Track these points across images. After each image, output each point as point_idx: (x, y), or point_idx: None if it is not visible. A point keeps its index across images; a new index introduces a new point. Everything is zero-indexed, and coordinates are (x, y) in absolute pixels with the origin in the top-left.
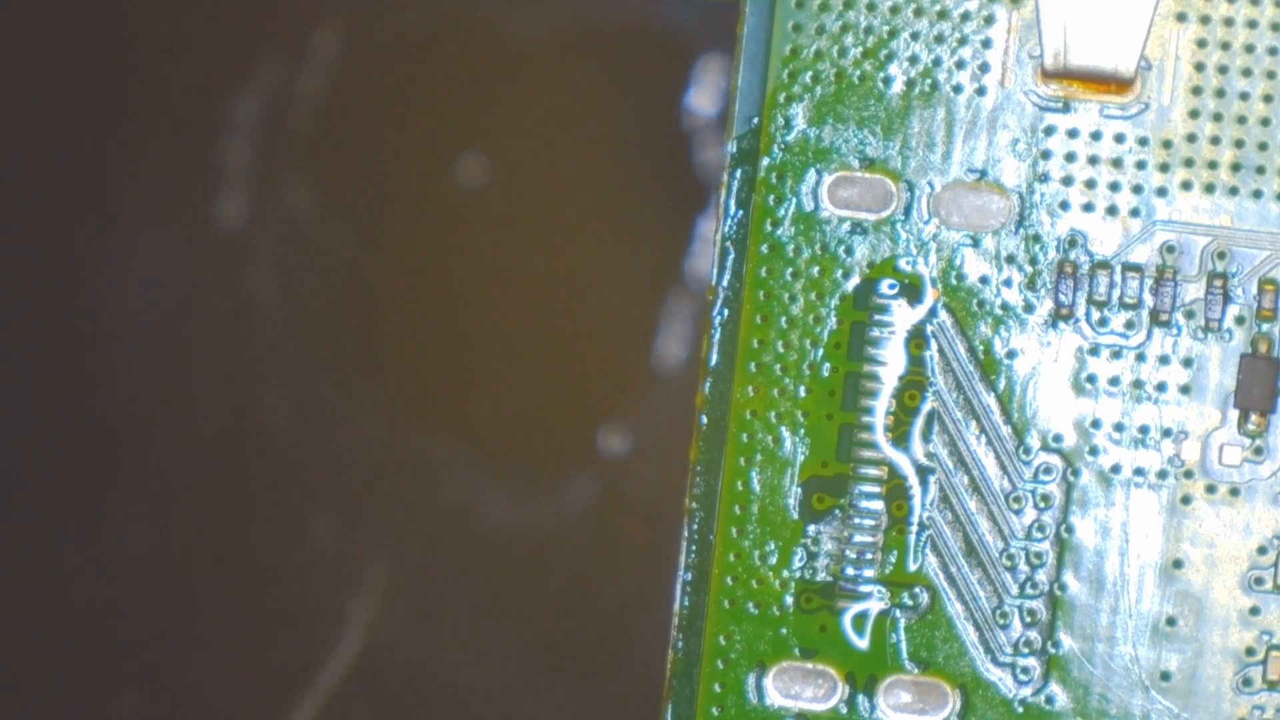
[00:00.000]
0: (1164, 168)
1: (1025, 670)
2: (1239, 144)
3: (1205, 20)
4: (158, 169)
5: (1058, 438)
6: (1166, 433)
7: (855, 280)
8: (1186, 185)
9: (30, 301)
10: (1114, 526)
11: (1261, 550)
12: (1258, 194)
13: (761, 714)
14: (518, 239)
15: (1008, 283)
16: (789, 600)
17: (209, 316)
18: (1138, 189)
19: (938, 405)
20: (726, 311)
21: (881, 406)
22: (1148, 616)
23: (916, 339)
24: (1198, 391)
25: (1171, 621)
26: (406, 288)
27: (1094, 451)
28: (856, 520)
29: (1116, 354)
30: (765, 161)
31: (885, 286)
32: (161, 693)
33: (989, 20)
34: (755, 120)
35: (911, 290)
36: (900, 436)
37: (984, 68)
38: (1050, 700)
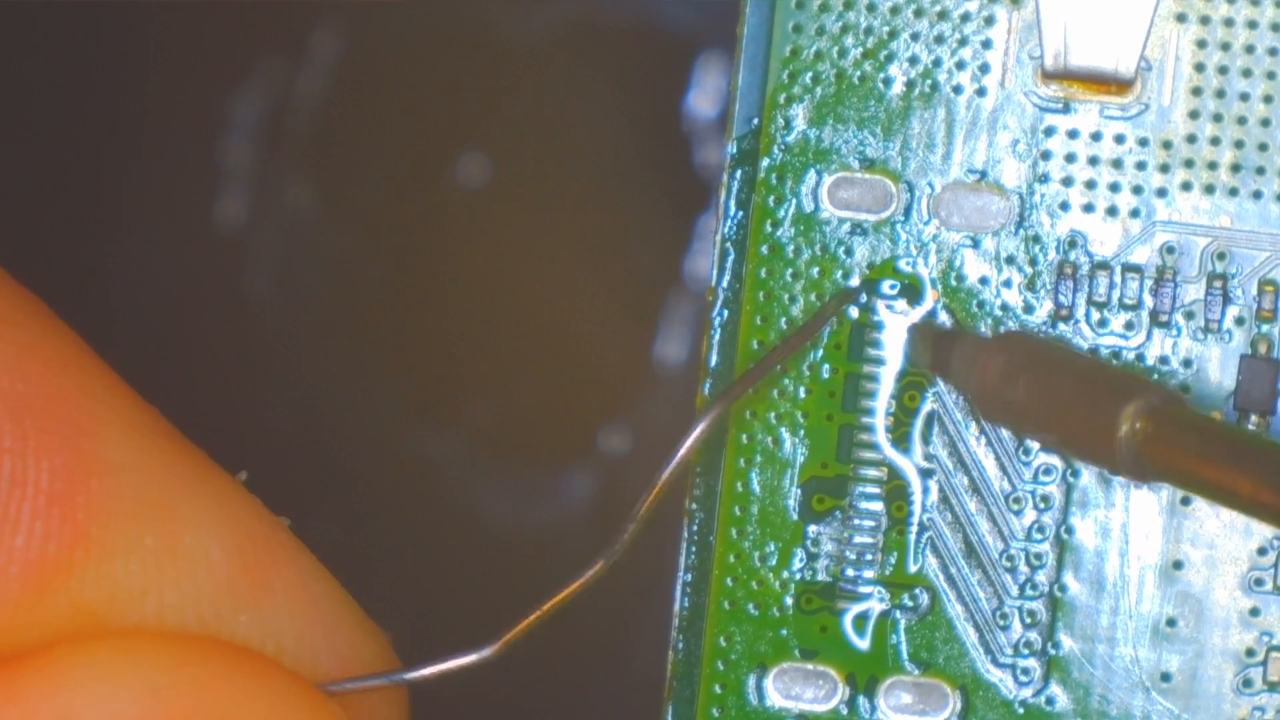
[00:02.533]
0: (1164, 168)
1: (1026, 671)
2: (1239, 145)
3: (1205, 21)
4: (158, 169)
5: None
6: None
7: (855, 281)
8: (1186, 186)
9: None
10: (1114, 527)
11: (1261, 551)
12: (1258, 195)
13: (762, 715)
14: (518, 239)
15: (1008, 284)
16: (789, 601)
17: (209, 316)
18: (1138, 190)
19: (937, 406)
20: (726, 312)
21: (881, 407)
22: (1148, 618)
23: None
24: (1197, 392)
25: (1172, 622)
26: (406, 288)
27: None
28: (856, 521)
29: (1116, 355)
30: (765, 162)
31: (885, 287)
32: None
33: (989, 21)
34: (755, 121)
35: (911, 291)
36: (900, 438)
37: (984, 68)
38: (1051, 701)
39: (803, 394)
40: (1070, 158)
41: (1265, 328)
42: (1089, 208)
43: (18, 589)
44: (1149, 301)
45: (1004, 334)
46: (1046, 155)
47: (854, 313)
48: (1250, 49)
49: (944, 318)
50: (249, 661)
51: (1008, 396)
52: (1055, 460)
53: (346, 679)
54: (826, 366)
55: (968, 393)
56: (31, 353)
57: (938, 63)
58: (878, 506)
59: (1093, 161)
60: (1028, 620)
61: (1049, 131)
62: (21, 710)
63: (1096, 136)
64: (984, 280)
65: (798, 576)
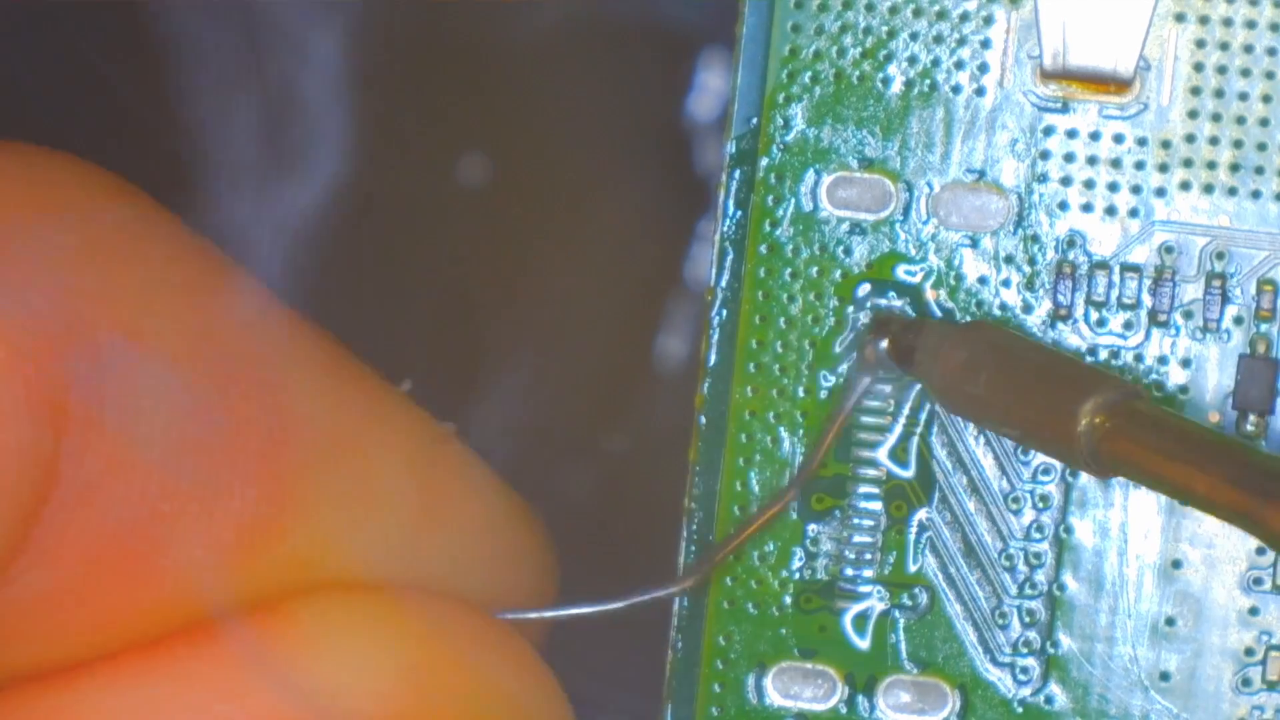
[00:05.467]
0: (1163, 168)
1: (1024, 670)
2: (1237, 144)
3: (1204, 20)
4: (158, 169)
5: None
6: None
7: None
8: (1185, 185)
9: None
10: (1113, 527)
11: (1260, 550)
12: (1256, 194)
13: (761, 714)
14: (518, 239)
15: (1006, 283)
16: (788, 600)
17: None
18: (1136, 189)
19: (936, 405)
20: (725, 312)
21: (880, 407)
22: (1147, 617)
23: None
24: (1196, 392)
25: (1170, 622)
26: (406, 288)
27: None
28: (855, 521)
29: (1115, 354)
30: (764, 162)
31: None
32: None
33: (988, 21)
34: (754, 120)
35: (910, 291)
36: (899, 437)
37: (983, 68)
38: (1049, 700)
39: (801, 393)
40: (1069, 157)
41: (1264, 327)
42: (1087, 207)
43: (234, 552)
44: (1148, 301)
45: (967, 325)
46: (1045, 155)
47: (854, 313)
48: (1249, 48)
49: (905, 309)
50: (468, 619)
51: (970, 389)
52: (1054, 460)
53: (543, 609)
54: (825, 366)
55: (930, 384)
56: (222, 311)
57: (936, 62)
58: (876, 506)
59: (1091, 161)
60: (1027, 619)
61: (1048, 131)
62: (281, 675)
63: (1095, 136)
64: (983, 280)
65: (797, 576)
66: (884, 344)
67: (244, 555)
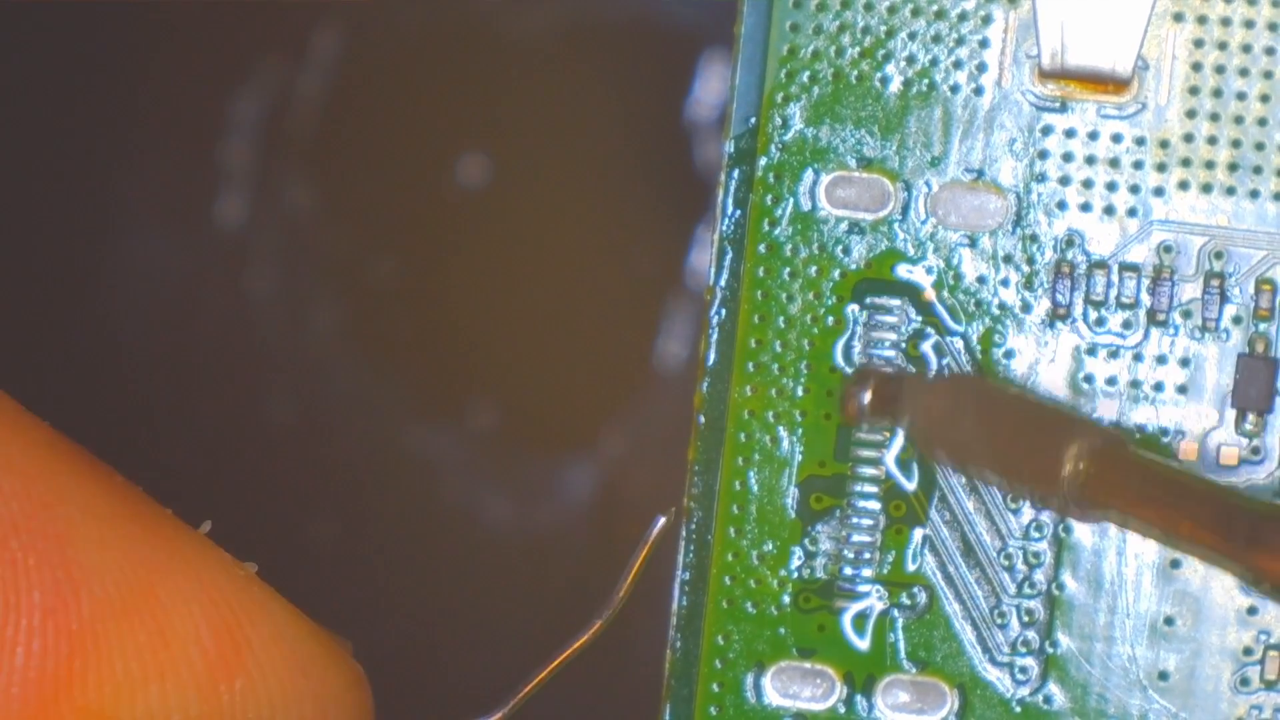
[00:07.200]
0: (1161, 167)
1: (1023, 670)
2: (1236, 144)
3: (1202, 20)
4: (158, 169)
5: None
6: (1164, 433)
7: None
8: (1183, 185)
9: (30, 301)
10: (1111, 526)
11: None
12: (1254, 194)
13: (760, 714)
14: (518, 239)
15: (1005, 282)
16: (787, 600)
17: (209, 316)
18: (1135, 189)
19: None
20: (724, 311)
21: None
22: (1145, 616)
23: (913, 339)
24: (1195, 391)
25: (1169, 621)
26: (406, 288)
27: None
28: (854, 520)
29: (1114, 354)
30: (763, 161)
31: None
32: None
33: (986, 20)
34: (753, 120)
35: (909, 290)
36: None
37: (981, 67)
38: (1048, 700)
39: (800, 393)
40: (1067, 157)
41: (1262, 326)
42: (1086, 207)
43: (20, 706)
44: (1146, 300)
45: (948, 378)
46: (1044, 154)
47: (854, 312)
48: (1247, 48)
49: (885, 364)
50: None
51: (952, 440)
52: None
53: None
54: (824, 365)
55: (912, 434)
56: (6, 466)
57: (935, 62)
58: (875, 505)
59: (1090, 160)
60: (1025, 619)
61: (1046, 130)
62: None
63: (1093, 135)
64: (981, 279)
65: (795, 575)
66: (867, 397)
67: (35, 711)
